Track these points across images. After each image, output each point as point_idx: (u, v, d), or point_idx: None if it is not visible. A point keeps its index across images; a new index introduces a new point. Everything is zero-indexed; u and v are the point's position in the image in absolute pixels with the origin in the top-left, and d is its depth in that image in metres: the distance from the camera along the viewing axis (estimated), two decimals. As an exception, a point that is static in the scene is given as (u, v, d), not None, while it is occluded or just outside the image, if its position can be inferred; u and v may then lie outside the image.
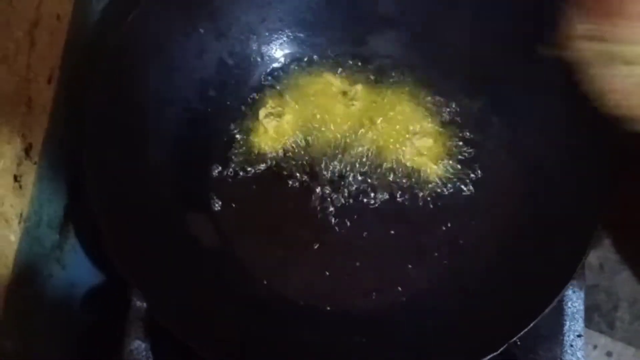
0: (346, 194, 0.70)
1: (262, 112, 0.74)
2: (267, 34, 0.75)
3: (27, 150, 0.59)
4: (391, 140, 0.72)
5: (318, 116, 0.73)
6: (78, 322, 0.70)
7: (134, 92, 0.67)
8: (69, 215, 0.66)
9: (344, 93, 0.74)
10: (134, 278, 0.59)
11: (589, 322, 1.09)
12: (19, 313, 0.59)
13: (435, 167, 0.71)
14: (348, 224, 0.69)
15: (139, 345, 0.65)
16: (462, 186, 0.70)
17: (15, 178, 0.58)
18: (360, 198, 0.70)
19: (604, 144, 0.61)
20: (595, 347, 1.08)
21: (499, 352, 0.54)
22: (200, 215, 0.69)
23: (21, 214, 0.59)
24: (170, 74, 0.69)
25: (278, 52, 0.76)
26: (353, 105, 0.74)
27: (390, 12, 0.75)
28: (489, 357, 0.54)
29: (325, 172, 0.71)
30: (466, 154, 0.71)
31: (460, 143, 0.72)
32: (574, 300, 0.66)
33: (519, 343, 0.63)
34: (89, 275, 0.72)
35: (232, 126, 0.73)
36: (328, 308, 0.66)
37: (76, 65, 0.66)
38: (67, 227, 0.67)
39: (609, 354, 1.08)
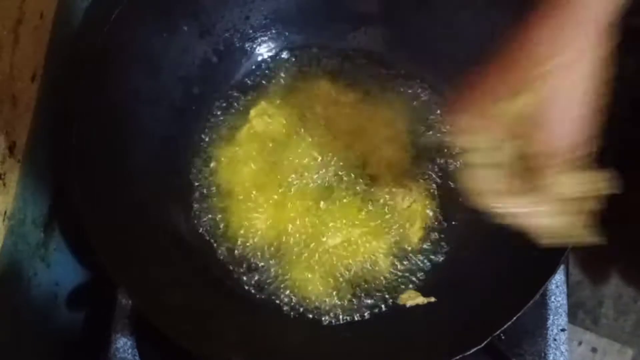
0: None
1: (252, 112, 0.73)
2: (251, 31, 0.75)
3: (11, 148, 0.59)
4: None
5: (307, 117, 0.73)
6: (63, 321, 0.70)
7: (120, 91, 0.67)
8: (53, 213, 0.66)
9: (335, 98, 0.74)
10: (120, 276, 0.59)
11: (573, 318, 1.10)
12: (3, 311, 0.59)
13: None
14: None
15: (124, 343, 0.65)
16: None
17: (-1, 176, 0.58)
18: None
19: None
20: (580, 343, 1.09)
21: (482, 345, 0.55)
22: (185, 212, 0.69)
23: (5, 212, 0.58)
24: (155, 71, 0.69)
25: (263, 49, 0.76)
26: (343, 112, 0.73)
27: (372, 9, 0.75)
28: (473, 350, 0.55)
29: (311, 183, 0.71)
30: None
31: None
32: (557, 295, 0.66)
33: (503, 337, 0.63)
34: (74, 273, 0.72)
35: (216, 124, 0.73)
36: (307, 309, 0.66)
37: (61, 63, 0.66)
38: (52, 225, 0.67)
39: (594, 349, 1.09)
